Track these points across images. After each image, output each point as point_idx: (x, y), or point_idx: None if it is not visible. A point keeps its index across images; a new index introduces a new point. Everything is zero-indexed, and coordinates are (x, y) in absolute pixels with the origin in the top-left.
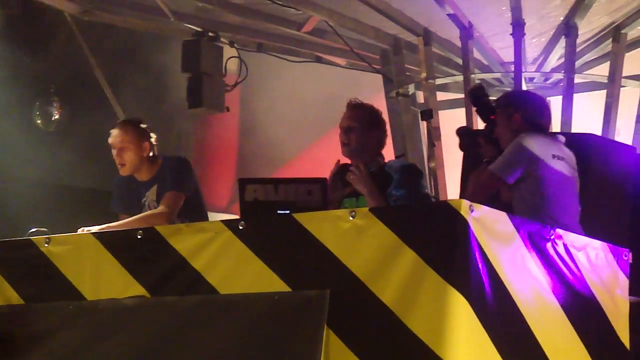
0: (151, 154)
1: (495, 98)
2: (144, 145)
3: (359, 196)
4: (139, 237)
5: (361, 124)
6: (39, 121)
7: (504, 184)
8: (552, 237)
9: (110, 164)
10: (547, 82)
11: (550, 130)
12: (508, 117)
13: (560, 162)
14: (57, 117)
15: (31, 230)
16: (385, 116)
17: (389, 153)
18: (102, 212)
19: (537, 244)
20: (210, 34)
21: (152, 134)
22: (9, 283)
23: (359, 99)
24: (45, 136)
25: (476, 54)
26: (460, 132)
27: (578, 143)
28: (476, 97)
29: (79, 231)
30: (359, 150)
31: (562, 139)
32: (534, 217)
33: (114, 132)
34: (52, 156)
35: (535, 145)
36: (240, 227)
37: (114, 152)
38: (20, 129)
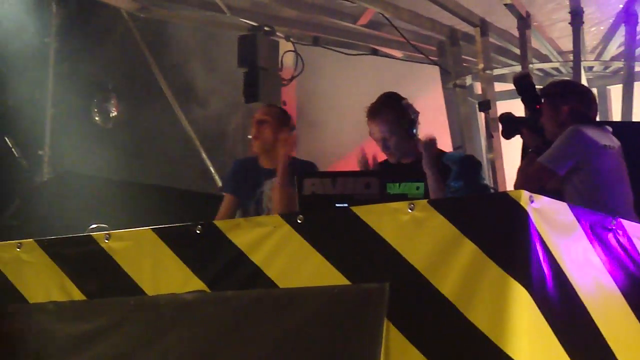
0: None
1: (540, 87)
2: (285, 128)
3: (401, 182)
4: (198, 232)
5: (393, 132)
6: (97, 118)
7: (554, 176)
8: (613, 227)
9: (167, 159)
10: (607, 71)
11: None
12: (555, 108)
13: (611, 152)
14: (114, 113)
15: (91, 227)
16: (441, 107)
17: (446, 145)
18: (161, 208)
19: (598, 235)
20: (266, 28)
21: (293, 127)
22: (70, 279)
23: (370, 102)
24: (103, 132)
25: (534, 44)
26: (503, 119)
27: None
28: (522, 86)
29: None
30: (404, 153)
31: (609, 128)
32: (590, 208)
33: (260, 108)
34: (111, 153)
35: (587, 136)
36: (299, 221)
37: (253, 129)
38: (79, 125)
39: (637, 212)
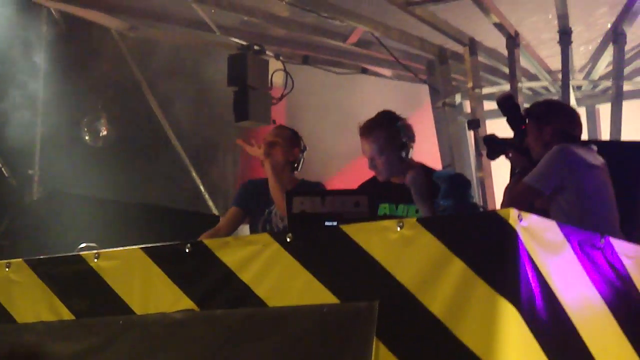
0: (295, 163)
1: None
2: (294, 150)
3: (399, 204)
4: (187, 250)
5: (383, 152)
6: (87, 137)
7: (540, 195)
8: (602, 246)
9: (158, 178)
10: (596, 90)
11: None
12: (539, 129)
13: (596, 171)
14: (104, 132)
15: (81, 246)
16: (430, 125)
17: (436, 163)
18: (151, 227)
19: (587, 253)
20: (255, 47)
21: (304, 148)
22: (59, 298)
23: (365, 120)
24: (93, 152)
25: (523, 63)
26: (487, 140)
27: (629, 151)
28: (505, 107)
29: None
30: (393, 172)
31: (594, 147)
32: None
33: (272, 129)
34: (101, 172)
35: (571, 156)
36: (288, 240)
37: (263, 148)
38: (68, 144)
39: (622, 231)
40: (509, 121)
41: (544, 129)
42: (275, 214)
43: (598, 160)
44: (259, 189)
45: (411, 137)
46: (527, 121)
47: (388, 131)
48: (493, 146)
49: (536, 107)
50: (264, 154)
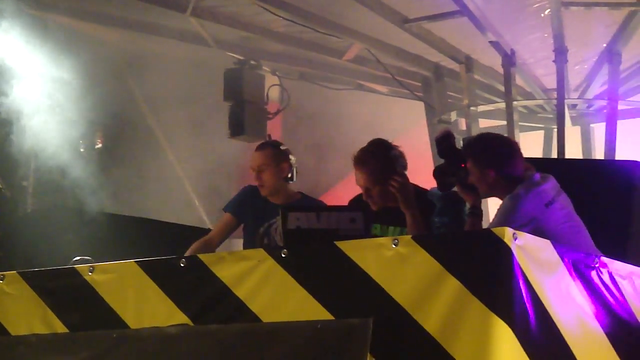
0: (289, 175)
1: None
2: (282, 166)
3: (389, 225)
4: (182, 265)
5: (377, 182)
6: (81, 149)
7: None
8: (596, 265)
9: (153, 191)
10: (590, 109)
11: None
12: (481, 171)
13: (553, 206)
14: (99, 145)
15: (75, 259)
16: (424, 142)
17: (431, 181)
18: (146, 240)
19: (581, 272)
20: (252, 62)
21: (291, 156)
22: (53, 311)
23: (358, 150)
24: (88, 164)
25: (518, 81)
26: (436, 173)
27: (623, 170)
28: (444, 147)
29: None
30: (385, 201)
31: (538, 175)
32: None
33: (254, 154)
34: (95, 185)
35: (524, 204)
36: (283, 255)
37: (253, 174)
38: (63, 157)
39: (628, 252)
40: (447, 162)
41: (486, 172)
42: (276, 229)
43: (549, 192)
44: (257, 199)
45: (404, 166)
46: (466, 160)
47: (382, 161)
48: (442, 179)
49: (473, 147)
50: (258, 184)
